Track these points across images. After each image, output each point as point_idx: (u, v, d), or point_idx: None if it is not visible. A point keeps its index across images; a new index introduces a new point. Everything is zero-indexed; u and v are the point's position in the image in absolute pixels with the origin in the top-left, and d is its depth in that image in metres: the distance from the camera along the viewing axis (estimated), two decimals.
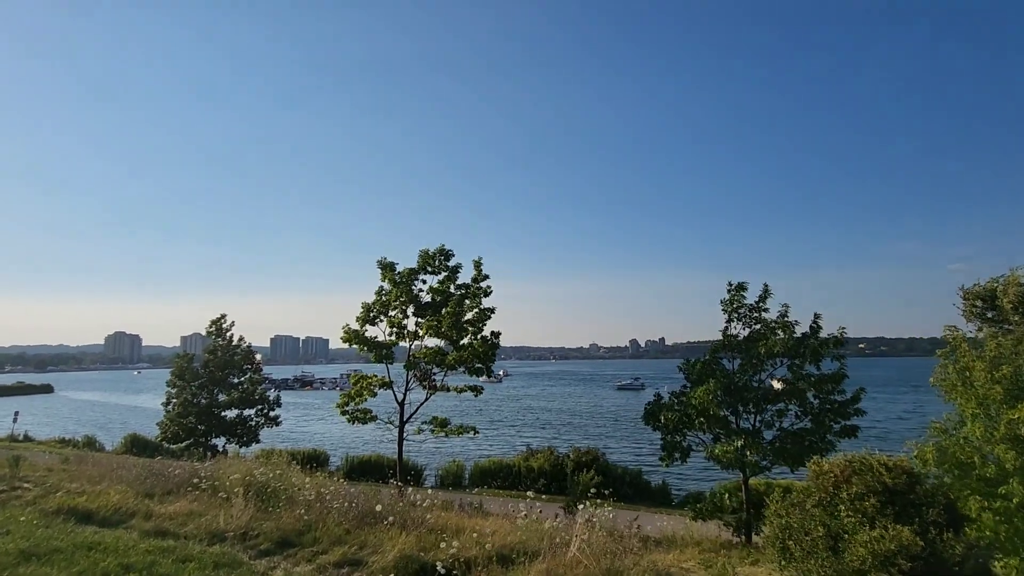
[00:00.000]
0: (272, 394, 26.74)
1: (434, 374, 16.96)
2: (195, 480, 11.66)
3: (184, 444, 24.47)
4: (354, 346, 17.50)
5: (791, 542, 6.63)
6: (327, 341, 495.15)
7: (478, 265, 17.98)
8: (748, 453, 10.92)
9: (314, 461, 27.03)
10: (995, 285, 12.97)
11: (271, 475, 10.68)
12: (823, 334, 12.48)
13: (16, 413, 37.41)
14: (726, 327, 13.09)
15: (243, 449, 26.17)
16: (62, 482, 12.58)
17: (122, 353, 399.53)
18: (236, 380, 25.65)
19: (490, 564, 7.30)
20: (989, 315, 13.29)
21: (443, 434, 17.74)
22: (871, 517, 6.13)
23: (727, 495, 12.65)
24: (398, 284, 17.12)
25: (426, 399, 17.51)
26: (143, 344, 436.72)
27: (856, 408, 12.07)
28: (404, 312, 17.50)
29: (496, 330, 17.80)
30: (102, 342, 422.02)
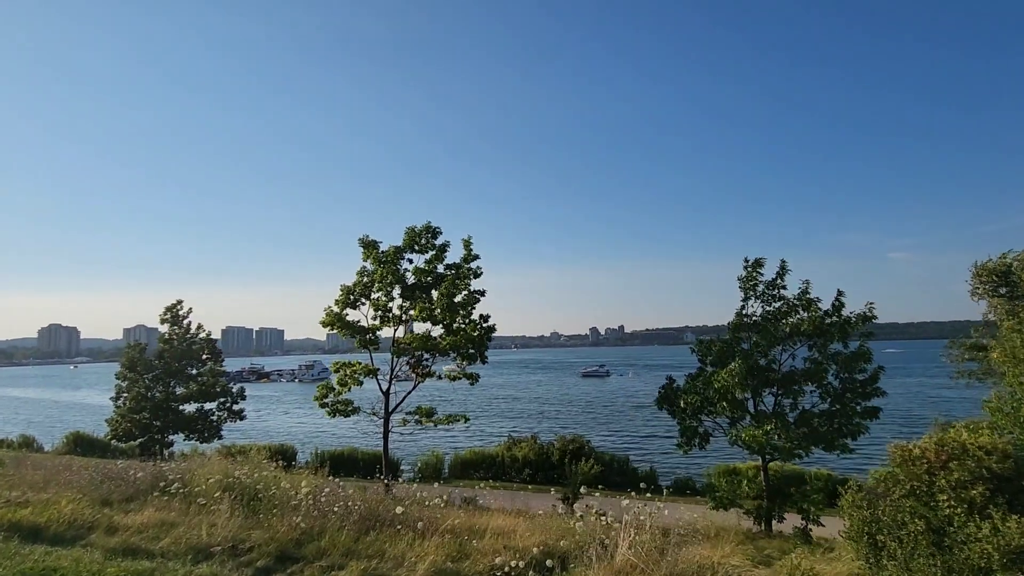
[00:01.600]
0: (235, 386, 24.80)
1: (425, 361, 15.74)
2: (162, 484, 10.14)
3: (138, 442, 22.35)
4: (334, 331, 16.06)
5: (881, 537, 5.89)
6: (282, 332, 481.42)
7: (468, 244, 16.80)
8: (778, 437, 10.27)
9: (282, 457, 25.36)
10: (1008, 260, 12.73)
11: (257, 476, 9.31)
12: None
13: None
14: (742, 306, 12.42)
15: (204, 445, 24.22)
16: None
17: (58, 347, 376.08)
18: (195, 371, 23.60)
19: (537, 574, 6.28)
20: (1002, 291, 13.09)
21: (431, 424, 16.61)
22: (980, 507, 5.43)
23: (745, 482, 12.05)
24: (383, 263, 15.74)
25: (414, 387, 16.29)
26: (81, 337, 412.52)
27: (875, 388, 11.63)
28: (389, 294, 16.15)
29: (485, 313, 16.73)
30: (35, 335, 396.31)
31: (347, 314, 16.08)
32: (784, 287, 12.18)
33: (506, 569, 6.08)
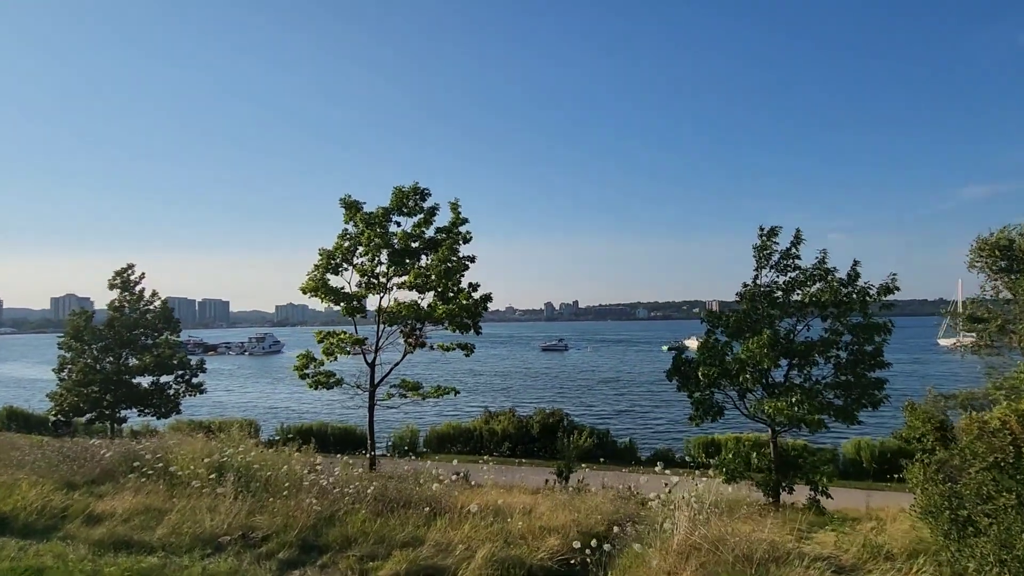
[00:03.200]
0: (194, 358, 23.11)
1: (419, 330, 14.81)
2: (136, 463, 8.97)
3: (86, 418, 20.50)
4: (317, 298, 14.88)
5: (964, 512, 5.61)
6: (227, 304, 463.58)
7: (456, 207, 15.84)
8: (800, 409, 10.05)
9: (245, 432, 23.98)
10: (1011, 235, 12.84)
11: (253, 455, 8.34)
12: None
13: None
14: (755, 275, 12.11)
15: (160, 421, 22.56)
16: None
17: None
18: (150, 342, 21.73)
19: (599, 558, 5.71)
20: (1002, 264, 13.27)
21: (419, 398, 15.84)
22: None
23: (755, 454, 11.92)
24: (370, 225, 14.59)
25: (403, 358, 15.40)
26: (4, 307, 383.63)
27: (880, 359, 11.61)
28: (375, 259, 15.03)
29: (474, 281, 15.89)
30: None
31: (328, 280, 14.92)
32: (798, 256, 11.94)
33: (582, 552, 5.48)
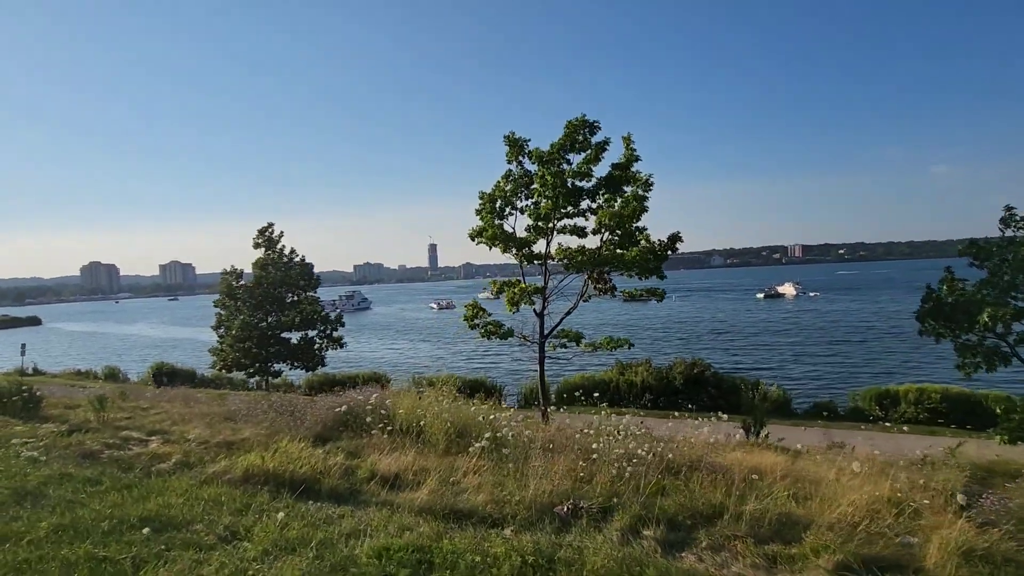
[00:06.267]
0: (333, 313, 23.41)
1: (607, 275, 13.67)
2: (369, 419, 8.44)
3: (244, 373, 21.31)
4: (488, 244, 13.99)
5: None
6: (311, 265, 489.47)
7: (628, 142, 14.20)
8: None
9: (377, 383, 24.37)
10: None
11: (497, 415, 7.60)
12: None
13: (23, 346, 33.81)
14: None
15: (306, 373, 23.27)
16: (172, 426, 9.29)
17: (99, 284, 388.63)
18: (294, 299, 22.11)
19: None
20: None
21: (588, 349, 14.81)
22: None
23: None
24: (544, 163, 13.34)
25: (575, 306, 14.41)
26: (120, 274, 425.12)
27: None
28: (545, 201, 13.83)
29: (642, 225, 14.38)
30: (78, 273, 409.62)
31: (500, 225, 13.98)
32: None
33: None
